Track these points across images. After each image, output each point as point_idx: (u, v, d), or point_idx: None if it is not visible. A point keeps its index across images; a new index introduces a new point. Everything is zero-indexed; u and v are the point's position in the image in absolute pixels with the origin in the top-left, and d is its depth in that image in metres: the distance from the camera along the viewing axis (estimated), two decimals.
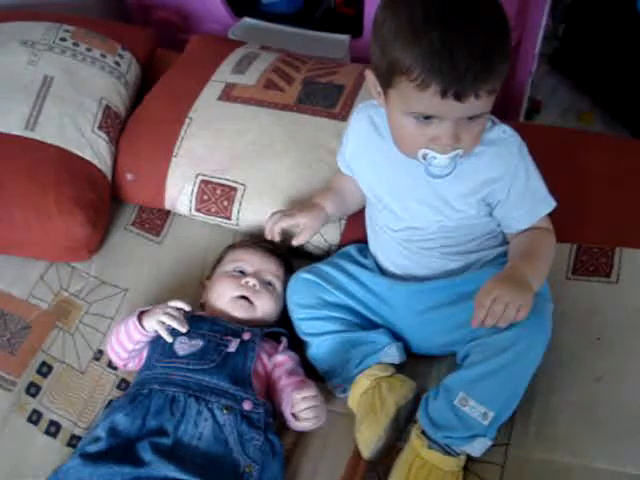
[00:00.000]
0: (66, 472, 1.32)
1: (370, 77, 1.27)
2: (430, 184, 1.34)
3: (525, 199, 1.35)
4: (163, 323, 1.39)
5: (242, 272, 1.54)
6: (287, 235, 1.55)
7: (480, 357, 1.30)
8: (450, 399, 1.30)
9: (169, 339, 1.40)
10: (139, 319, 1.42)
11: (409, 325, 1.46)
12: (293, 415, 1.36)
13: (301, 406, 1.35)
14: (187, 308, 1.42)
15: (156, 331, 1.40)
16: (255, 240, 1.64)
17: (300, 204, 1.57)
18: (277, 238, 1.53)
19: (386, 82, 1.21)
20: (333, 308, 1.47)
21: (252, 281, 1.51)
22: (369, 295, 1.48)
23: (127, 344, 1.45)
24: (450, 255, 1.42)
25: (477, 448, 1.31)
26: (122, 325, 1.46)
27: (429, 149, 1.23)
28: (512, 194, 1.34)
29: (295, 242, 1.53)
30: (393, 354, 1.43)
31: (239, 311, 1.50)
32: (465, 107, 1.15)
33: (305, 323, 1.48)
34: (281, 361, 1.45)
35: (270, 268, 1.55)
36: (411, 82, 1.15)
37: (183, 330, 1.40)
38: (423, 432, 1.33)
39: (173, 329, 1.41)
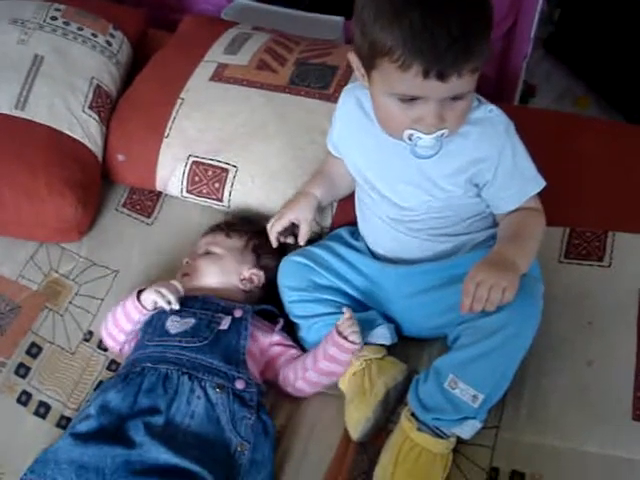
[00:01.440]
0: (56, 452, 1.31)
1: (353, 59, 1.26)
2: (417, 164, 1.34)
3: (513, 179, 1.34)
4: (162, 295, 1.41)
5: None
6: (291, 233, 1.55)
7: (470, 339, 1.29)
8: (440, 381, 1.30)
9: (167, 306, 1.41)
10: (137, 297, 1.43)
11: (400, 308, 1.46)
12: (339, 334, 1.37)
13: (348, 322, 1.37)
14: (181, 292, 1.45)
15: (154, 308, 1.42)
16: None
17: (294, 194, 1.57)
18: (276, 243, 1.53)
19: (369, 64, 1.21)
20: (324, 290, 1.46)
21: (184, 260, 1.58)
22: (360, 277, 1.47)
23: (125, 325, 1.45)
24: (439, 237, 1.42)
25: (467, 430, 1.31)
26: (119, 307, 1.46)
27: (414, 130, 1.23)
28: (499, 174, 1.33)
29: (301, 241, 1.53)
30: (384, 334, 1.43)
31: (184, 286, 1.50)
32: (448, 87, 1.15)
33: (296, 305, 1.48)
34: (279, 340, 1.46)
35: (204, 241, 1.59)
36: (393, 63, 1.14)
37: (175, 306, 1.41)
38: (413, 414, 1.32)
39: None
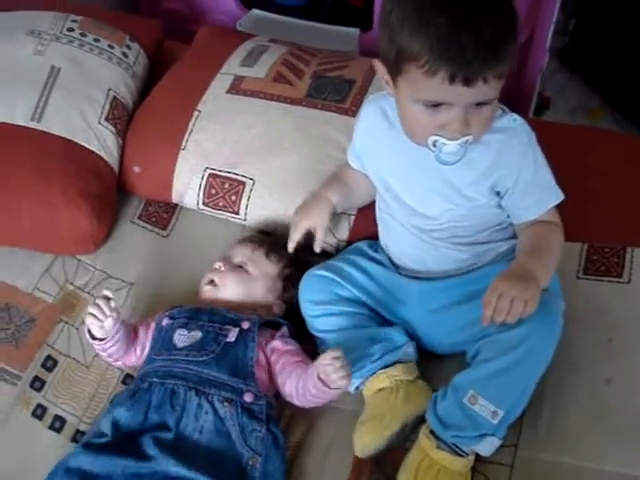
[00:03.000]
0: (67, 461, 1.31)
1: (379, 67, 1.27)
2: (440, 172, 1.33)
3: (533, 188, 1.34)
4: (94, 315, 1.39)
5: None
6: (308, 240, 1.54)
7: (490, 355, 1.29)
8: (459, 398, 1.29)
9: (100, 334, 1.41)
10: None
11: (421, 323, 1.45)
12: (320, 380, 1.31)
13: (331, 366, 1.29)
14: (110, 295, 1.42)
15: (118, 331, 1.42)
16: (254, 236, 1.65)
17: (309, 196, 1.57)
18: (293, 250, 1.53)
19: (395, 70, 1.21)
20: (348, 303, 1.45)
21: (218, 263, 1.53)
22: (382, 292, 1.47)
23: (101, 352, 1.46)
24: (461, 245, 1.41)
25: (486, 447, 1.30)
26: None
27: (439, 136, 1.23)
28: (520, 182, 1.33)
29: (317, 248, 1.52)
30: (411, 353, 1.42)
31: (206, 293, 1.52)
32: (474, 92, 1.15)
33: (319, 320, 1.46)
34: (277, 345, 1.43)
35: (242, 252, 1.56)
36: (419, 69, 1.15)
37: (105, 319, 1.39)
38: (432, 432, 1.31)
39: (173, 320, 1.44)
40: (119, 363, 1.50)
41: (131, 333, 1.47)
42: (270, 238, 1.63)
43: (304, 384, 1.35)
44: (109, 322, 1.40)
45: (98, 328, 1.40)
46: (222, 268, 1.53)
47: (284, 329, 1.47)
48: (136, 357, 1.48)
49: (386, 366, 1.39)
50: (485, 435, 1.29)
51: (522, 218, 1.38)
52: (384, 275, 1.47)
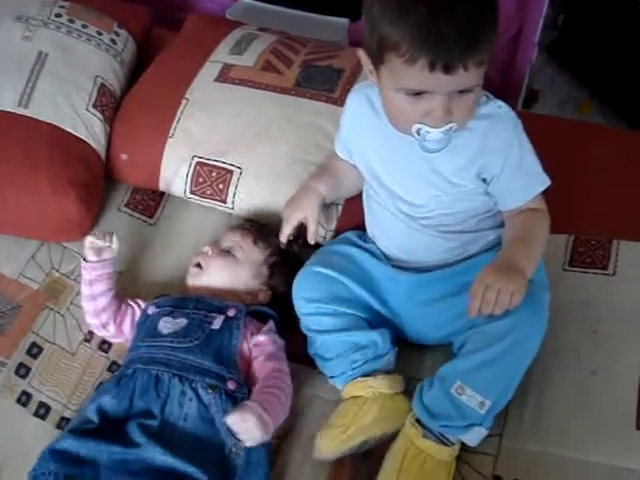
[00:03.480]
0: (54, 446, 1.31)
1: (362, 56, 1.27)
2: (426, 159, 1.33)
3: (520, 174, 1.34)
4: (92, 242, 1.47)
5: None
6: (299, 233, 1.55)
7: (477, 345, 1.29)
8: (446, 388, 1.29)
9: (90, 257, 1.47)
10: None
11: (409, 316, 1.45)
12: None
13: (234, 428, 1.26)
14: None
15: (99, 258, 1.48)
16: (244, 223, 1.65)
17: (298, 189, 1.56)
18: (285, 246, 1.54)
19: (377, 59, 1.22)
20: (341, 302, 1.43)
21: (206, 247, 1.54)
22: (374, 283, 1.46)
23: (86, 290, 1.48)
24: (449, 234, 1.41)
25: (473, 437, 1.31)
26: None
27: (422, 124, 1.23)
28: (506, 168, 1.33)
29: (311, 240, 1.52)
30: (392, 362, 1.42)
31: (190, 278, 1.52)
32: (454, 80, 1.16)
33: (310, 318, 1.45)
34: (261, 341, 1.42)
35: (231, 237, 1.56)
36: (400, 57, 1.15)
37: (107, 243, 1.47)
38: (418, 421, 1.32)
39: (159, 309, 1.45)
40: (108, 334, 1.50)
41: (119, 302, 1.50)
42: (259, 225, 1.63)
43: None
44: (107, 251, 1.47)
45: (95, 250, 1.46)
46: (210, 252, 1.54)
47: (270, 323, 1.47)
48: (125, 334, 1.49)
49: (366, 374, 1.39)
50: (472, 425, 1.29)
51: (509, 205, 1.38)
52: (375, 266, 1.47)
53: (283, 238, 1.53)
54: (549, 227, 1.38)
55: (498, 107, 1.32)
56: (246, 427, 1.24)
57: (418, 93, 1.19)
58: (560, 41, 2.76)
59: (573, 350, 1.42)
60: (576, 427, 1.34)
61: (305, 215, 1.51)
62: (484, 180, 1.36)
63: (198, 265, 1.53)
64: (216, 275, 1.52)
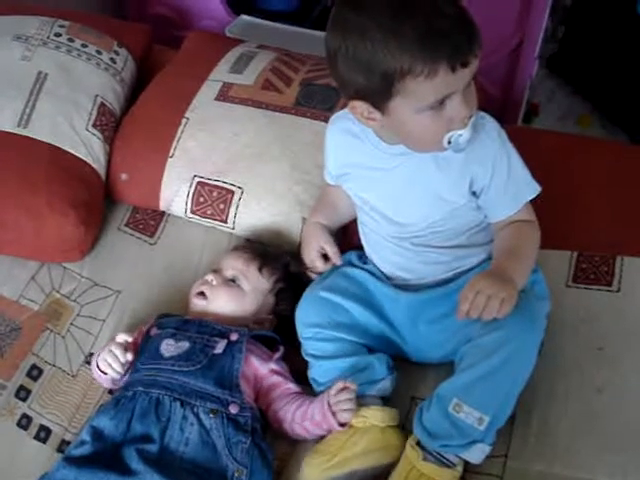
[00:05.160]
0: (49, 477, 1.29)
1: (358, 106, 1.23)
2: (417, 180, 1.33)
3: (509, 184, 1.33)
4: (109, 365, 1.39)
5: (213, 271, 1.54)
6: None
7: (473, 360, 1.28)
8: (444, 407, 1.28)
9: (116, 375, 1.40)
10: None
11: (412, 335, 1.44)
12: (330, 409, 1.32)
13: (341, 397, 1.31)
14: (129, 339, 1.42)
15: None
16: (245, 244, 1.63)
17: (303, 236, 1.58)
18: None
19: (384, 97, 1.19)
20: (341, 329, 1.41)
21: (210, 276, 1.51)
22: (376, 303, 1.45)
23: (105, 376, 1.43)
24: (442, 249, 1.40)
25: (476, 455, 1.29)
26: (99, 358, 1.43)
27: (451, 131, 1.22)
28: (495, 179, 1.32)
29: (337, 261, 1.51)
30: (388, 389, 1.40)
31: (195, 306, 1.50)
32: (469, 70, 1.16)
33: (309, 343, 1.44)
34: (277, 369, 1.43)
35: (235, 264, 1.53)
36: (418, 77, 1.14)
37: (125, 360, 1.39)
38: (418, 443, 1.30)
39: (162, 330, 1.43)
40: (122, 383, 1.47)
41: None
42: (262, 248, 1.61)
43: (308, 411, 1.35)
44: (121, 368, 1.40)
45: (110, 370, 1.40)
46: (214, 282, 1.51)
47: (281, 350, 1.46)
48: None
49: (362, 403, 1.36)
50: (474, 442, 1.28)
51: (499, 215, 1.37)
52: (377, 287, 1.46)
53: (315, 274, 1.52)
54: (539, 237, 1.37)
55: (481, 118, 1.31)
56: None
57: (441, 102, 1.18)
58: (560, 54, 2.76)
59: (578, 368, 1.41)
60: (582, 446, 1.32)
61: (319, 244, 1.51)
62: (474, 193, 1.35)
63: (202, 294, 1.50)
64: (221, 306, 1.49)
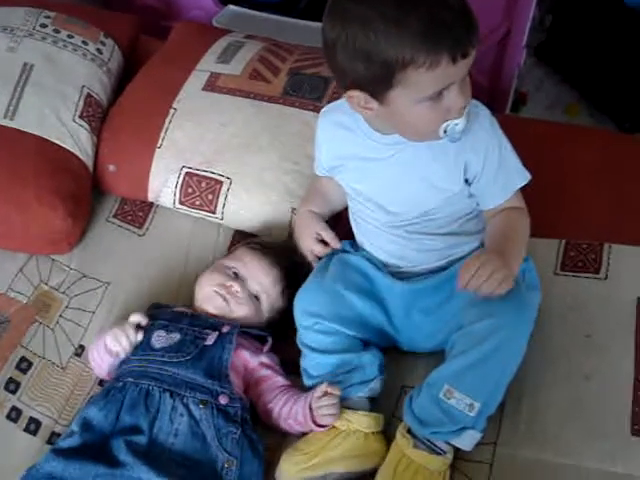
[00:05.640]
0: (38, 468, 1.29)
1: (355, 96, 1.23)
2: (413, 169, 1.33)
3: (500, 172, 1.34)
4: (119, 342, 1.38)
5: (236, 274, 1.50)
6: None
7: (463, 347, 1.28)
8: (434, 393, 1.28)
9: (123, 352, 1.39)
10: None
11: (405, 324, 1.44)
12: (310, 410, 1.32)
13: (323, 402, 1.31)
14: (143, 321, 1.41)
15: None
16: (269, 244, 1.58)
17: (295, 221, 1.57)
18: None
19: (384, 87, 1.18)
20: (342, 322, 1.40)
21: (236, 287, 1.48)
22: (375, 290, 1.44)
23: (106, 358, 1.42)
24: (435, 236, 1.40)
25: (467, 441, 1.29)
26: (100, 341, 1.42)
27: (448, 121, 1.22)
28: (487, 167, 1.33)
29: (336, 245, 1.50)
30: (375, 389, 1.39)
31: (214, 305, 1.47)
32: (468, 61, 1.16)
33: (307, 333, 1.42)
34: (267, 362, 1.43)
35: (264, 281, 1.49)
36: (419, 68, 1.13)
37: (135, 339, 1.39)
38: (409, 431, 1.31)
39: (154, 322, 1.42)
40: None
41: None
42: (288, 258, 1.55)
43: (292, 409, 1.35)
44: (129, 347, 1.39)
45: (119, 348, 1.39)
46: (239, 294, 1.47)
47: (269, 342, 1.46)
48: None
49: (349, 405, 1.35)
50: (464, 429, 1.28)
51: (491, 203, 1.38)
52: (375, 274, 1.45)
53: (315, 259, 1.51)
54: (529, 223, 1.38)
55: (475, 106, 1.31)
56: None
57: (440, 92, 1.18)
58: (548, 43, 2.76)
59: (566, 355, 1.42)
60: (570, 433, 1.33)
61: (314, 231, 1.50)
62: (467, 181, 1.36)
63: (225, 300, 1.47)
64: (241, 316, 1.47)
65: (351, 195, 1.46)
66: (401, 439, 1.30)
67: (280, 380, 1.42)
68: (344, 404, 1.35)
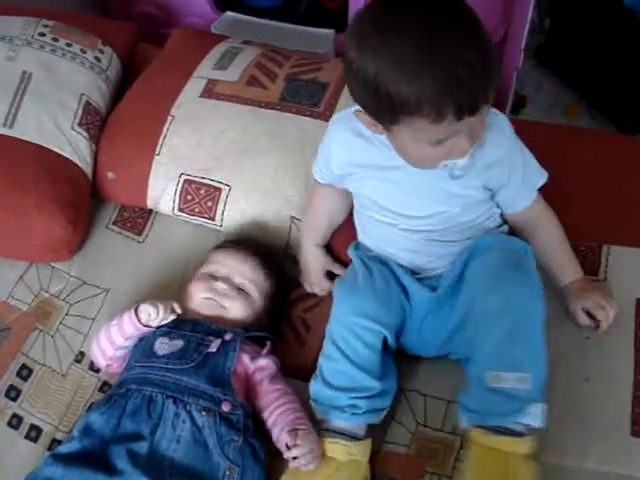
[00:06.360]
0: (37, 474, 1.29)
1: (364, 117, 1.24)
2: (432, 178, 1.32)
3: (525, 177, 1.38)
4: (157, 310, 1.40)
5: (217, 276, 1.50)
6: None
7: (484, 333, 1.28)
8: (483, 385, 1.26)
9: (157, 321, 1.40)
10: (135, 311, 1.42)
11: (416, 331, 1.42)
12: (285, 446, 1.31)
13: (294, 453, 1.29)
14: (179, 310, 1.43)
15: (146, 325, 1.40)
16: (239, 240, 1.60)
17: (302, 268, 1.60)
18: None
19: (389, 120, 1.19)
20: (382, 325, 1.35)
21: (221, 285, 1.48)
22: (408, 298, 1.43)
23: (117, 337, 1.42)
24: (455, 243, 1.41)
25: (535, 415, 1.25)
26: (114, 320, 1.44)
27: (449, 159, 1.23)
28: (513, 176, 1.35)
29: (340, 271, 1.55)
30: (380, 419, 1.37)
31: (208, 309, 1.47)
32: (479, 116, 1.15)
33: (344, 332, 1.35)
34: (264, 365, 1.42)
35: (243, 270, 1.51)
36: (424, 118, 1.13)
37: (166, 316, 1.41)
38: (476, 427, 1.27)
39: (156, 329, 1.42)
40: (114, 366, 1.47)
41: None
42: (264, 248, 1.58)
43: (280, 437, 1.33)
44: (158, 322, 1.41)
45: (149, 319, 1.40)
46: (227, 290, 1.48)
47: (269, 345, 1.46)
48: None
49: (347, 433, 1.33)
50: (527, 403, 1.25)
51: (517, 207, 1.42)
52: (406, 281, 1.43)
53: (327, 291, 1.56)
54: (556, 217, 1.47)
55: (495, 115, 1.32)
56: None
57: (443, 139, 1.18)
58: (547, 45, 2.77)
59: (566, 357, 1.42)
60: (571, 434, 1.33)
61: (322, 268, 1.56)
62: (490, 190, 1.37)
63: (211, 299, 1.48)
64: (235, 312, 1.48)
65: (365, 203, 1.44)
66: (478, 437, 1.26)
67: (273, 387, 1.39)
68: (345, 431, 1.33)
